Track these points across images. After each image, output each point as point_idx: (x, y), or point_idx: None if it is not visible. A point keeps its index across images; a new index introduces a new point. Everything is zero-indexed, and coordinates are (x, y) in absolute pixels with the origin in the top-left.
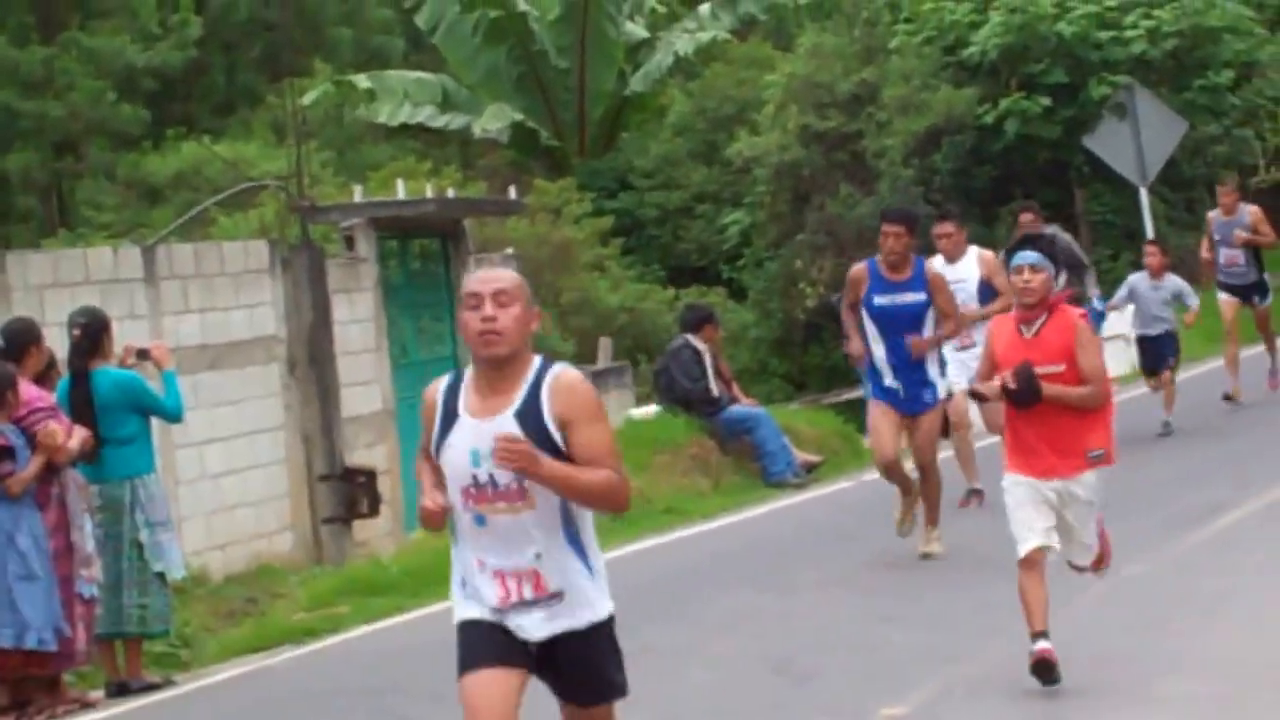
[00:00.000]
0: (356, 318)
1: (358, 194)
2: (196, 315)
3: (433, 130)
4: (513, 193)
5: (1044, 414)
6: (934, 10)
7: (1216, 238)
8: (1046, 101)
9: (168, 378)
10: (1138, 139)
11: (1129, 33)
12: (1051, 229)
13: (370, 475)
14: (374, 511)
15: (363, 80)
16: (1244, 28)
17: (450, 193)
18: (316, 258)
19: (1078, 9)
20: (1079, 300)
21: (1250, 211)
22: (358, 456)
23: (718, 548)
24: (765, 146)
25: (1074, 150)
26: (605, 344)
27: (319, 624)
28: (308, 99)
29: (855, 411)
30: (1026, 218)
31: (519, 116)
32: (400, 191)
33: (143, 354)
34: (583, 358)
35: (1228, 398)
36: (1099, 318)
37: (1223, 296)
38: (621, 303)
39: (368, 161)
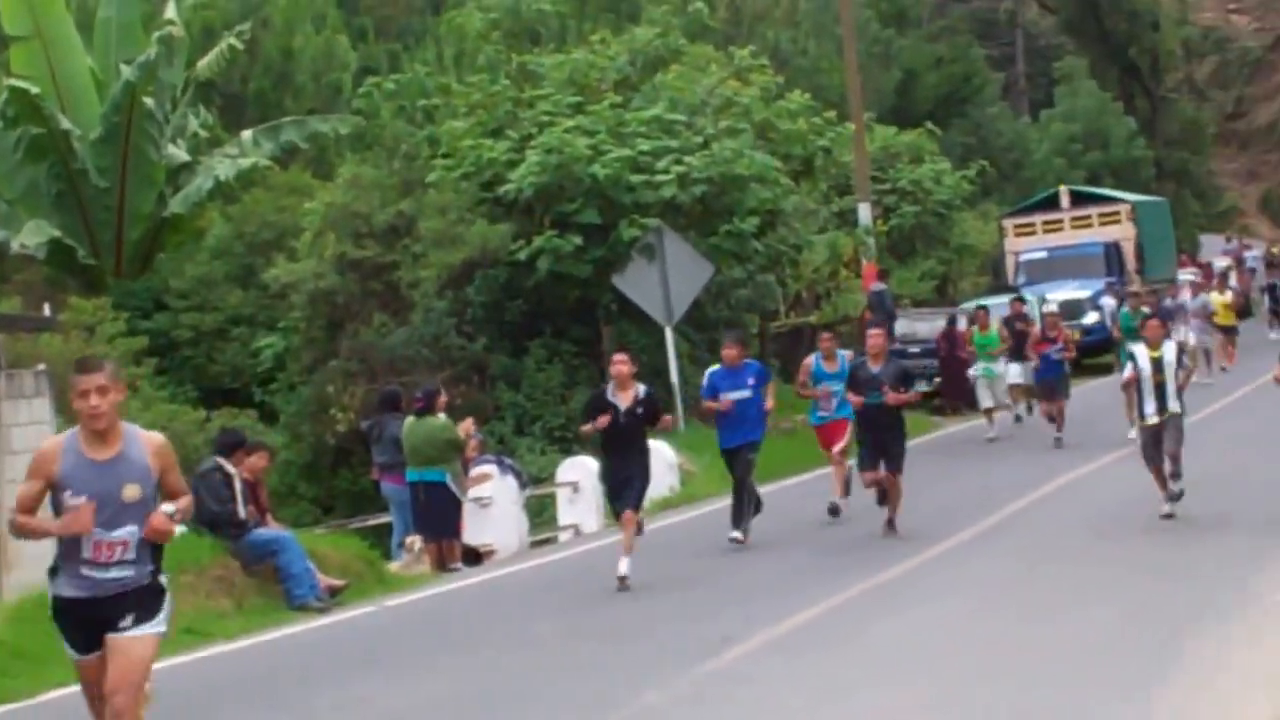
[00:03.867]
0: None
1: None
2: None
3: None
4: (47, 309)
5: None
6: (472, 147)
7: None
8: (579, 240)
9: None
10: (665, 280)
11: (660, 177)
12: None
13: None
14: None
15: None
16: (770, 177)
17: None
18: None
19: (612, 152)
20: None
21: None
22: None
23: (237, 669)
24: (302, 273)
25: (604, 289)
26: None
27: None
28: None
29: (381, 536)
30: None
31: (57, 233)
32: None
33: None
34: None
35: None
36: None
37: None
38: (152, 422)
39: None
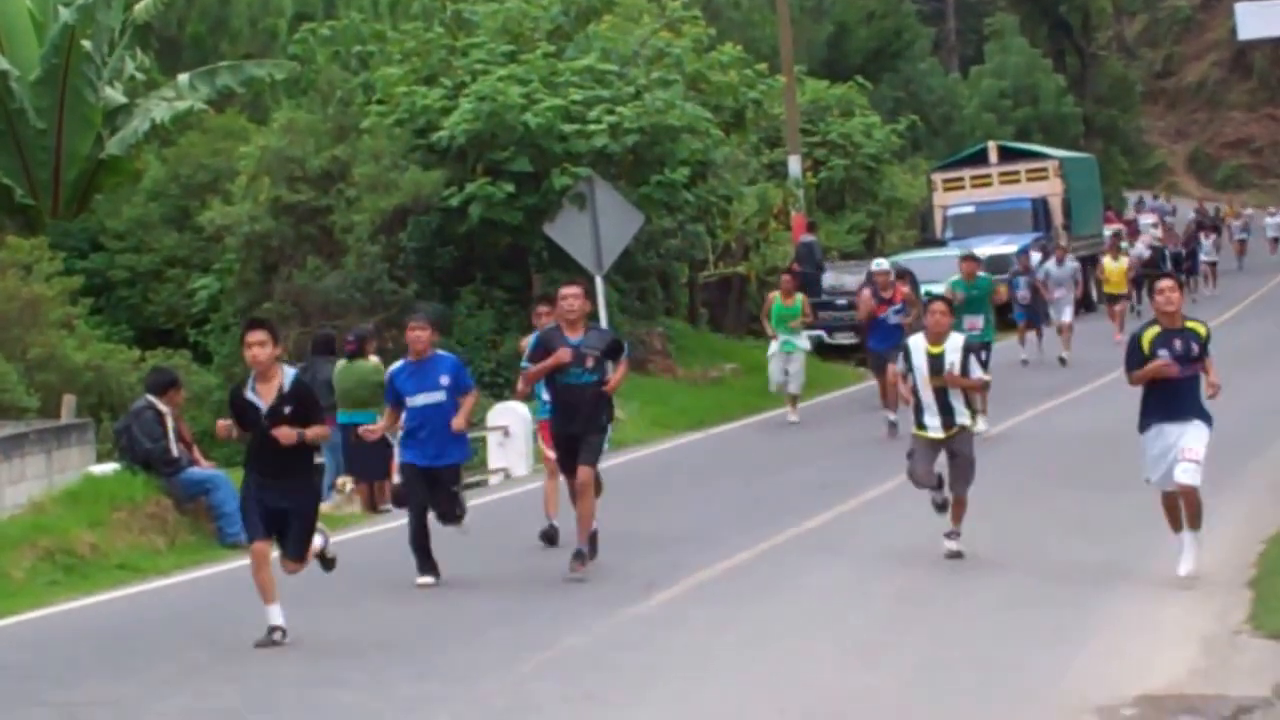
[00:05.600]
0: None
1: None
2: None
3: None
4: None
5: None
6: (406, 94)
7: None
8: (510, 188)
9: None
10: (596, 229)
11: (592, 127)
12: None
13: None
14: None
15: None
16: (701, 128)
17: None
18: None
19: (544, 101)
20: None
21: None
22: None
23: (169, 605)
24: (237, 216)
25: (535, 236)
26: (69, 400)
27: None
28: None
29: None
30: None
31: None
32: None
33: None
34: (47, 413)
35: None
36: None
37: None
38: (87, 361)
39: None
